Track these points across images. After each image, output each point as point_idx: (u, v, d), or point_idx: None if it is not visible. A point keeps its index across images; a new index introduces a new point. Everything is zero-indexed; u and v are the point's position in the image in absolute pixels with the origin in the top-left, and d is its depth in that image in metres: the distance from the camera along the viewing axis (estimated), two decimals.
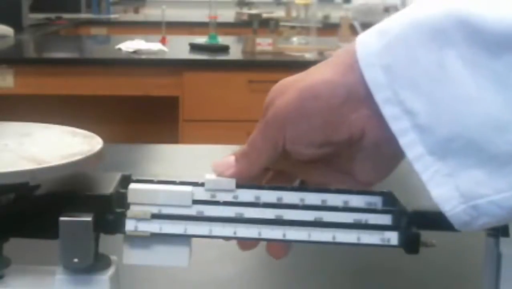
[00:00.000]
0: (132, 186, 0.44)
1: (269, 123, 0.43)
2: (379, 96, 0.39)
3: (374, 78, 0.39)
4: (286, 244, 0.46)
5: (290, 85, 0.43)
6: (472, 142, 0.37)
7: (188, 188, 0.44)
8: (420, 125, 0.38)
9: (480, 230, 0.39)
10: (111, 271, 0.45)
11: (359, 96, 0.41)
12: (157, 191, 0.44)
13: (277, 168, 0.48)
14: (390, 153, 0.43)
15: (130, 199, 0.44)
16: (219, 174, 0.45)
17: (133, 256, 0.44)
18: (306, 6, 3.19)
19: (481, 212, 0.38)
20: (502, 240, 0.44)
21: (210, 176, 0.45)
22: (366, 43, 0.40)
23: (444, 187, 0.38)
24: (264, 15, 4.03)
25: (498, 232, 0.44)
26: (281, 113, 0.43)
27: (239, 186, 0.45)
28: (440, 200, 0.38)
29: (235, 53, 2.90)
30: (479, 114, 0.37)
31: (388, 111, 0.39)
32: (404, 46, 0.39)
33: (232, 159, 0.45)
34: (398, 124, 0.39)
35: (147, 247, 0.44)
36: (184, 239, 0.44)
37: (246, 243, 0.47)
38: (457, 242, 0.72)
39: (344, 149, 0.43)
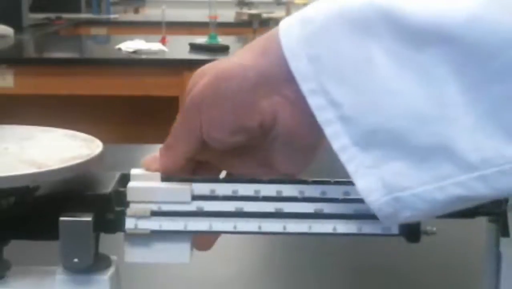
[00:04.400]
0: (131, 184, 0.44)
1: (187, 109, 0.43)
2: (305, 87, 0.39)
3: (300, 69, 0.39)
4: (212, 238, 0.46)
5: (208, 69, 0.43)
6: (394, 134, 0.37)
7: (187, 185, 0.44)
8: (344, 116, 0.38)
9: (405, 222, 0.39)
10: (111, 271, 0.45)
11: (272, 81, 0.41)
12: (156, 188, 0.44)
13: (203, 159, 0.47)
14: (305, 143, 0.43)
15: (129, 197, 0.44)
16: (147, 169, 0.45)
17: (134, 254, 0.44)
18: (306, 6, 3.19)
19: (403, 204, 0.37)
20: (502, 240, 0.44)
21: (135, 170, 0.45)
22: (289, 31, 0.40)
23: (368, 178, 0.38)
24: (264, 15, 4.02)
25: (498, 218, 0.44)
26: (197, 97, 0.42)
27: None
28: (364, 191, 0.38)
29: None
30: (402, 107, 0.37)
31: (314, 102, 0.39)
32: (329, 36, 0.39)
33: (157, 154, 0.45)
34: (323, 115, 0.39)
35: (148, 244, 0.44)
36: (184, 235, 0.44)
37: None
38: (456, 241, 0.72)
39: (259, 139, 0.43)
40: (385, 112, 0.37)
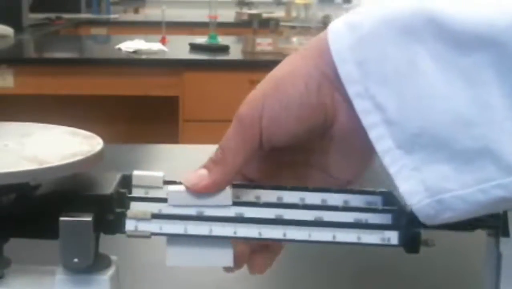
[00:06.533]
0: (172, 188, 0.44)
1: (243, 115, 0.43)
2: (351, 90, 0.40)
3: (347, 73, 0.40)
4: (269, 259, 0.47)
5: (260, 84, 0.43)
6: (438, 137, 0.38)
7: (227, 188, 0.43)
8: (389, 119, 0.39)
9: (444, 223, 0.40)
10: (111, 271, 0.45)
11: (332, 80, 0.41)
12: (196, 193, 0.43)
13: (253, 178, 0.46)
14: (359, 146, 0.43)
15: (170, 201, 0.43)
16: (192, 188, 0.43)
17: (176, 258, 0.44)
18: (306, 6, 3.19)
19: (446, 206, 0.38)
20: (502, 240, 0.44)
21: (174, 188, 0.43)
22: (338, 37, 0.41)
23: (411, 180, 0.39)
24: (264, 15, 4.03)
25: (498, 231, 0.44)
26: (257, 102, 0.42)
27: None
28: (406, 193, 0.39)
29: (235, 53, 2.90)
30: (446, 111, 0.37)
31: (360, 105, 0.40)
32: (376, 42, 0.39)
33: (203, 170, 0.43)
34: (368, 118, 0.40)
35: (191, 248, 0.44)
36: (226, 240, 0.44)
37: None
38: (457, 242, 0.72)
39: (317, 140, 0.44)
40: (430, 116, 0.38)
